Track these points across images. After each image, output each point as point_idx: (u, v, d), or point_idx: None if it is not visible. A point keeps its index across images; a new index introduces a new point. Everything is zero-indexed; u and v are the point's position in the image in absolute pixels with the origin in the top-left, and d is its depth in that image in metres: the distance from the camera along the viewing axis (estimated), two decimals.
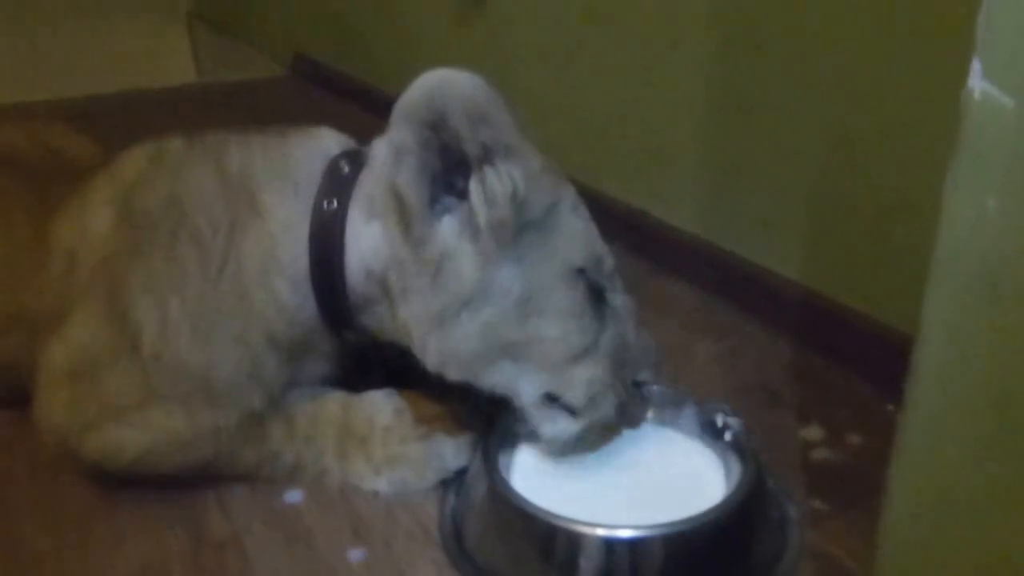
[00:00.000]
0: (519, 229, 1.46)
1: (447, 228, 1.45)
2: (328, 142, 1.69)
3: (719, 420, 1.62)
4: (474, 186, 1.43)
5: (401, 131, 1.41)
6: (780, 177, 2.14)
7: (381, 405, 1.70)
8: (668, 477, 1.59)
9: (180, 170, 1.65)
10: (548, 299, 1.48)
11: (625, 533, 1.38)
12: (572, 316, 1.49)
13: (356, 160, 1.60)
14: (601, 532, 1.38)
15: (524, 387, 1.54)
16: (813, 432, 1.80)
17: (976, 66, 0.81)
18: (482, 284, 1.45)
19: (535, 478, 1.57)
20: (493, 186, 1.42)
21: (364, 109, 4.04)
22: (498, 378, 1.54)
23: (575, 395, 1.53)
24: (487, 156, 1.41)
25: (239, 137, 1.70)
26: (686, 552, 1.39)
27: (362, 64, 4.23)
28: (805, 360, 2.07)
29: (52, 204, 1.76)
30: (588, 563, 1.38)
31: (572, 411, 1.54)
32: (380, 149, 1.56)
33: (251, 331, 1.59)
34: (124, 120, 3.82)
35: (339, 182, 1.58)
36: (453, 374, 1.53)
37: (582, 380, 1.52)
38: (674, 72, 2.37)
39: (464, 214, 1.45)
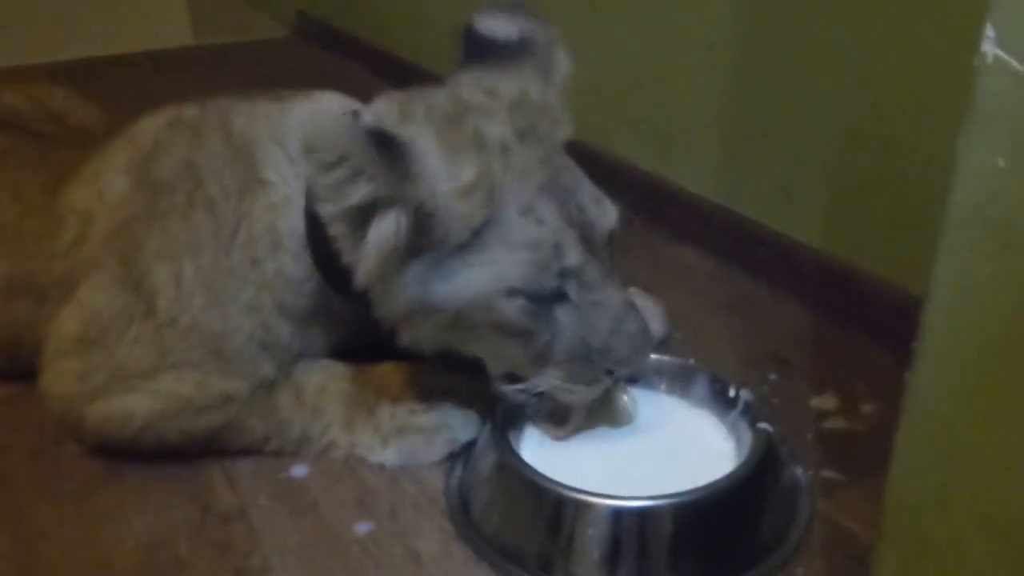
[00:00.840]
0: (445, 254, 1.43)
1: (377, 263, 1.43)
2: (330, 108, 1.70)
3: (731, 389, 1.64)
4: (372, 232, 1.40)
5: (309, 173, 1.39)
6: (801, 142, 2.15)
7: (389, 376, 1.73)
8: (679, 447, 1.61)
9: (195, 137, 1.68)
10: (482, 317, 1.47)
11: (634, 503, 1.40)
12: (507, 333, 1.49)
13: None
14: (610, 502, 1.40)
15: (488, 365, 1.58)
16: (827, 401, 1.82)
17: (989, 32, 0.83)
18: (417, 301, 1.45)
19: (544, 449, 1.60)
20: (378, 235, 1.39)
21: (371, 70, 4.04)
22: (464, 354, 1.57)
23: (533, 387, 1.55)
24: (373, 204, 1.38)
25: (247, 102, 1.73)
26: (696, 522, 1.42)
27: (368, 23, 4.21)
28: (821, 328, 2.09)
29: (58, 169, 1.79)
30: (596, 533, 1.40)
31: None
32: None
33: (262, 298, 1.62)
34: (121, 84, 3.82)
35: None
36: (422, 353, 1.58)
37: (536, 380, 1.54)
38: (694, 31, 2.37)
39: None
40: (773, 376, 1.90)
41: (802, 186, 2.17)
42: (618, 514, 1.40)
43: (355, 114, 1.60)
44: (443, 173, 1.40)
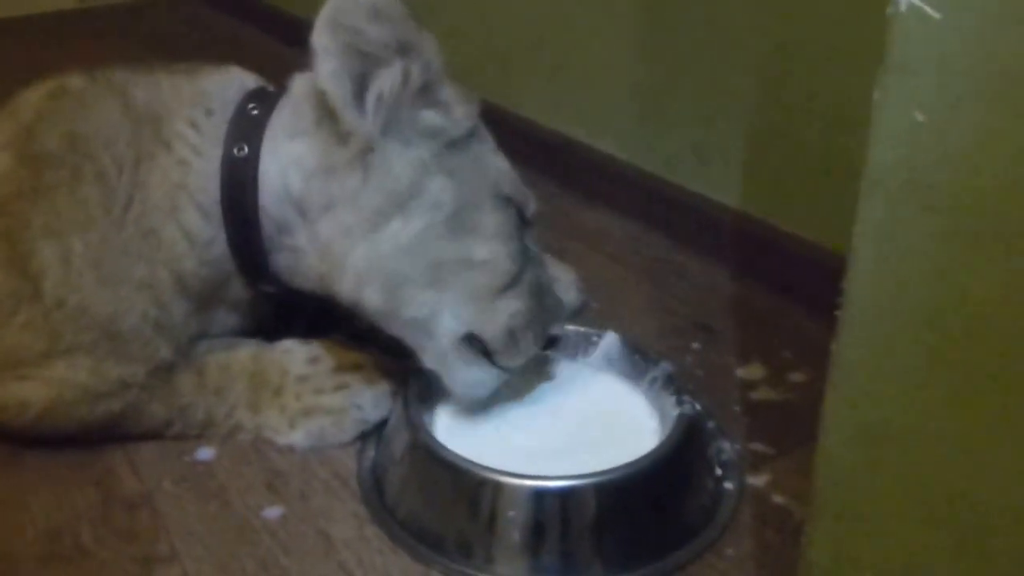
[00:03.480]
0: (444, 149, 1.54)
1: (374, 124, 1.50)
2: (242, 77, 1.73)
3: (651, 361, 1.66)
4: (372, 84, 1.48)
5: (321, 34, 1.45)
6: (713, 96, 2.17)
7: (295, 353, 1.72)
8: (599, 423, 1.62)
9: (82, 107, 1.66)
10: (479, 217, 1.53)
11: (555, 483, 1.40)
12: (501, 240, 1.54)
13: (266, 101, 1.64)
14: (530, 482, 1.41)
15: (445, 321, 1.55)
16: (754, 371, 1.84)
17: None
18: (414, 188, 1.50)
19: (459, 427, 1.60)
20: (384, 84, 1.47)
21: (261, 29, 4.02)
22: (419, 309, 1.55)
23: (495, 329, 1.56)
24: (388, 56, 1.47)
25: (145, 74, 1.72)
26: (620, 501, 1.42)
27: None
28: (745, 293, 2.10)
29: None
30: (517, 515, 1.40)
31: (489, 355, 1.58)
32: (301, 80, 1.60)
33: (158, 274, 1.60)
34: (3, 52, 3.78)
35: (248, 126, 1.62)
36: (370, 296, 1.54)
37: (504, 314, 1.56)
38: None
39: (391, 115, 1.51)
40: (696, 345, 1.92)
41: (716, 143, 2.19)
42: (539, 495, 1.40)
43: (264, 91, 1.65)
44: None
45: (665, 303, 2.07)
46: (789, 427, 1.68)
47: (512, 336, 1.56)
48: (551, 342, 1.65)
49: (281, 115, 1.60)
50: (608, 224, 2.42)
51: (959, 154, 0.83)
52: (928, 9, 0.81)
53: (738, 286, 2.12)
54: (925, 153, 0.85)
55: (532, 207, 1.62)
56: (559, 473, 1.42)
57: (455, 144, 1.55)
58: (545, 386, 1.70)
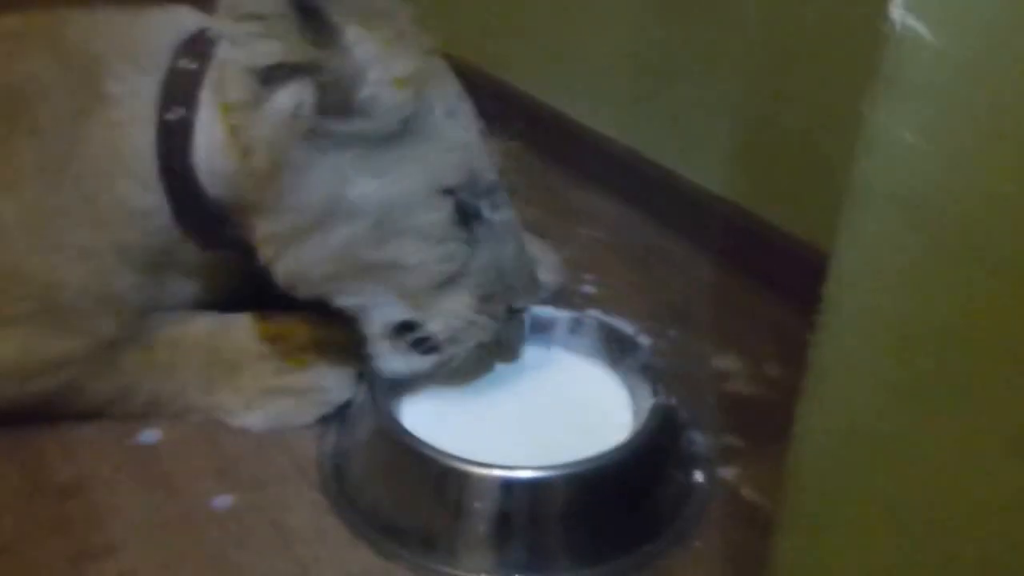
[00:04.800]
0: (372, 149, 1.46)
1: (279, 135, 1.43)
2: (181, 20, 1.64)
3: (628, 347, 1.66)
4: (270, 105, 1.41)
5: (224, 20, 1.39)
6: (712, 87, 2.16)
7: (253, 329, 1.68)
8: (570, 410, 1.62)
9: (16, 53, 1.59)
10: (408, 220, 1.48)
11: (524, 473, 1.40)
12: (434, 242, 1.50)
13: (203, 51, 1.55)
14: (498, 472, 1.40)
15: (379, 313, 1.55)
16: (730, 362, 1.84)
17: None
18: (332, 201, 1.45)
19: (426, 413, 1.59)
20: (283, 105, 1.39)
21: None
22: (352, 300, 1.55)
23: (435, 328, 1.55)
24: (284, 73, 1.39)
25: (83, 12, 1.65)
26: (591, 493, 1.43)
27: None
28: (726, 283, 2.11)
29: None
30: (484, 506, 1.40)
31: (432, 345, 1.57)
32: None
33: (100, 241, 1.54)
34: None
35: (182, 85, 1.55)
36: (303, 294, 1.54)
37: (443, 312, 1.55)
38: None
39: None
40: (673, 332, 1.92)
41: (712, 133, 2.20)
42: (507, 485, 1.40)
43: (202, 37, 1.58)
44: (377, 61, 1.44)
45: (647, 288, 2.08)
46: (762, 421, 1.69)
47: (454, 336, 1.56)
48: (516, 312, 1.63)
49: (218, 72, 1.53)
50: (594, 204, 2.42)
51: (945, 176, 0.85)
52: (923, 32, 0.82)
53: (721, 276, 2.13)
54: (914, 172, 0.87)
55: (489, 177, 1.56)
56: (528, 463, 1.42)
57: (386, 140, 1.48)
58: (518, 372, 1.69)
